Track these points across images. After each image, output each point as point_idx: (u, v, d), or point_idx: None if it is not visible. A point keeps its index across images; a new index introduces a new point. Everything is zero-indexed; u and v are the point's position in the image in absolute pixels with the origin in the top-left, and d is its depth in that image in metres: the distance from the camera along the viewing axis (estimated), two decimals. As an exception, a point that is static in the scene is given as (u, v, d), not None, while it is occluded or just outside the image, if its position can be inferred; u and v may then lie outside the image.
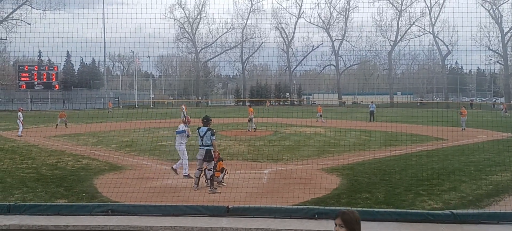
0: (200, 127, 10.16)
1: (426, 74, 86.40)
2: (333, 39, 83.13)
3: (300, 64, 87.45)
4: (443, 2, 69.32)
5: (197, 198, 8.89)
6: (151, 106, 71.41)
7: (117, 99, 74.29)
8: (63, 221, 5.78)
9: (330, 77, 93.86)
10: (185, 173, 11.38)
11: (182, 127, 11.55)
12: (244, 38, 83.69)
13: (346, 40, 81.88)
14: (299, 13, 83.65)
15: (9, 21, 63.71)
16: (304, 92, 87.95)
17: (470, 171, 12.11)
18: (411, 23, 77.13)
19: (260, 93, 79.67)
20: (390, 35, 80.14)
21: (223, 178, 10.60)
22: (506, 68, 72.61)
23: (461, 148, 17.45)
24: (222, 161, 10.88)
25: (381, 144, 18.31)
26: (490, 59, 74.78)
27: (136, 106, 69.27)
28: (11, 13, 63.95)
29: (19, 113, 24.37)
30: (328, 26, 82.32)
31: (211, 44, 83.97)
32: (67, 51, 62.26)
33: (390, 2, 77.12)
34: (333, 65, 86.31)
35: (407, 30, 78.56)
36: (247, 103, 58.97)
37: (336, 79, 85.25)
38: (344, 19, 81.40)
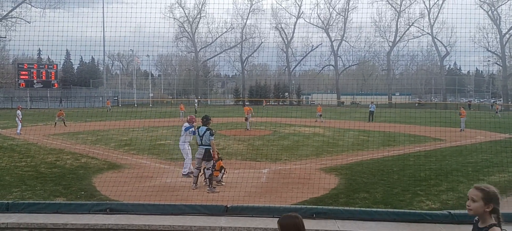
0: (200, 126, 10.22)
1: (424, 75, 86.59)
2: (332, 40, 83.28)
3: (299, 64, 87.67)
4: (442, 3, 69.44)
5: (195, 197, 8.90)
6: (150, 105, 71.39)
7: (116, 98, 74.26)
8: (61, 219, 5.79)
9: (329, 78, 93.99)
10: (184, 172, 11.39)
11: (187, 124, 11.55)
12: (244, 38, 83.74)
13: (345, 41, 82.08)
14: (298, 13, 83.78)
15: (8, 19, 63.68)
16: (303, 92, 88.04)
17: (468, 171, 12.15)
18: (410, 24, 77.38)
19: (260, 93, 79.70)
20: (389, 36, 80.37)
21: (222, 177, 10.62)
22: (504, 69, 72.78)
23: (459, 148, 17.50)
24: (222, 160, 10.91)
25: (380, 144, 18.35)
26: (489, 60, 74.98)
27: (136, 105, 69.24)
28: (11, 11, 63.92)
29: (18, 111, 24.36)
30: (327, 26, 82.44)
31: (210, 44, 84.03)
32: (67, 50, 62.10)
33: (389, 3, 77.29)
34: (332, 65, 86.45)
35: (406, 31, 78.82)
36: (246, 103, 59.07)
37: (335, 80, 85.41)
38: (343, 20, 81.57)
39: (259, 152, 15.76)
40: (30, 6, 62.64)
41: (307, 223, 5.89)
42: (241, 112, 32.63)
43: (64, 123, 28.89)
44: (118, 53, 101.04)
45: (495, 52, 72.98)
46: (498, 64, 75.61)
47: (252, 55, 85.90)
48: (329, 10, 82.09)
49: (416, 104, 71.65)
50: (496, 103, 60.96)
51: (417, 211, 6.67)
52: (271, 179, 11.09)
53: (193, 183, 10.06)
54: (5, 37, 62.46)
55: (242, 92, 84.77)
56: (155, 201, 7.26)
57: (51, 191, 9.49)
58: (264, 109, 44.87)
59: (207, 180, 9.89)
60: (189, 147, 11.63)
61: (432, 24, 75.01)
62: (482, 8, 67.71)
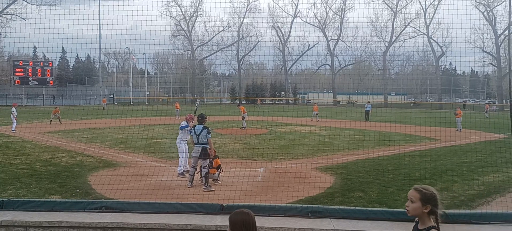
0: (196, 125, 10.22)
1: (420, 75, 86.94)
2: (329, 39, 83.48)
3: (295, 64, 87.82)
4: (438, 4, 69.82)
5: (191, 195, 8.90)
6: (146, 103, 71.22)
7: (112, 96, 74.01)
8: (57, 217, 5.78)
9: (325, 77, 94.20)
10: (179, 171, 11.38)
11: (184, 123, 11.53)
12: (240, 37, 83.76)
13: (342, 40, 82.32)
14: (295, 12, 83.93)
15: (3, 16, 63.34)
16: (299, 92, 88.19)
17: (462, 171, 12.21)
18: (406, 24, 77.63)
19: (256, 92, 79.71)
20: (385, 36, 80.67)
21: (218, 175, 10.63)
22: (499, 70, 73.19)
23: (454, 148, 17.59)
24: (219, 158, 10.92)
25: (375, 143, 18.41)
26: (484, 61, 75.44)
27: (131, 103, 69.04)
28: (6, 7, 63.56)
29: (13, 108, 24.25)
30: (324, 26, 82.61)
31: (207, 42, 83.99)
32: (62, 47, 62.02)
33: (385, 3, 77.56)
34: (328, 65, 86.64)
35: (402, 31, 79.12)
36: (242, 102, 59.08)
37: (331, 79, 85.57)
38: (339, 19, 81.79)
39: (255, 150, 15.77)
40: (25, 2, 62.43)
41: (303, 222, 5.91)
42: (237, 110, 32.63)
43: (59, 120, 28.77)
44: (114, 51, 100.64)
45: (490, 52, 73.44)
46: (493, 64, 76.07)
47: (249, 54, 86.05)
48: (325, 9, 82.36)
49: (412, 104, 71.96)
50: (485, 103, 61.45)
51: (411, 210, 6.69)
52: (267, 178, 11.10)
53: (189, 181, 10.05)
54: (0, 34, 62.11)
55: (239, 91, 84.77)
56: (151, 199, 7.25)
57: (46, 189, 9.46)
58: (259, 109, 44.88)
59: (203, 178, 9.89)
60: (186, 146, 11.62)
61: (428, 24, 75.42)
62: (478, 9, 68.08)
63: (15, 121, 23.39)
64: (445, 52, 74.43)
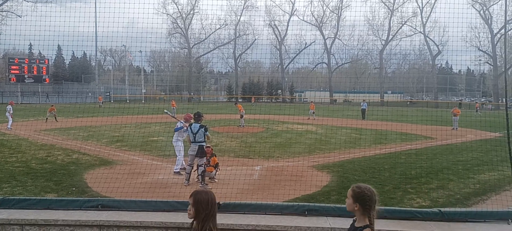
0: (192, 123, 10.21)
1: (416, 74, 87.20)
2: (326, 37, 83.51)
3: (292, 62, 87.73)
4: (435, 2, 69.86)
5: (188, 193, 8.82)
6: (143, 101, 71.06)
7: (108, 93, 73.80)
8: (53, 215, 5.76)
9: (322, 75, 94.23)
10: (175, 170, 11.37)
11: (180, 123, 11.52)
12: (237, 35, 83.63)
13: (338, 39, 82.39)
14: (292, 10, 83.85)
15: (-1, 13, 62.90)
16: (296, 90, 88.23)
17: (458, 169, 12.27)
18: (403, 22, 77.75)
19: (253, 90, 79.69)
20: (382, 34, 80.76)
21: (215, 174, 10.64)
22: (495, 69, 73.45)
23: (450, 146, 17.66)
24: (216, 157, 10.92)
25: (371, 142, 18.46)
26: (480, 60, 75.71)
27: (128, 101, 68.87)
28: (1, 4, 63.14)
29: (9, 106, 24.14)
30: (320, 24, 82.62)
31: (204, 40, 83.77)
32: (58, 45, 61.57)
33: (382, 1, 77.60)
34: (325, 63, 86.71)
35: (399, 30, 79.21)
36: (239, 100, 59.03)
37: (328, 77, 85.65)
38: (336, 18, 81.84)
39: (252, 149, 15.78)
40: (21, -1, 61.98)
41: (299, 220, 5.92)
42: (234, 109, 32.63)
43: (55, 118, 28.67)
44: (110, 48, 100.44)
45: (486, 51, 73.68)
46: (489, 63, 76.32)
47: (246, 52, 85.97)
48: (322, 7, 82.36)
49: (408, 103, 72.18)
50: (476, 102, 61.82)
51: (407, 208, 6.73)
52: (263, 176, 11.11)
53: (186, 179, 10.05)
54: (-4, 31, 61.70)
55: (235, 89, 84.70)
56: (147, 197, 7.24)
57: (42, 187, 9.43)
58: (256, 107, 44.89)
59: (200, 176, 9.89)
60: (183, 144, 11.61)
61: (424, 23, 75.50)
62: (474, 8, 68.23)
63: (11, 119, 23.28)
64: (441, 50, 74.67)
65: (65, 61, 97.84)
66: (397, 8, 77.62)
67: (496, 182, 10.56)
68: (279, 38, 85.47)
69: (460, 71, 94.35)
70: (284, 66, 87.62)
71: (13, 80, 61.14)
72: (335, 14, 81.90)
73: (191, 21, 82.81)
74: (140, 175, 10.93)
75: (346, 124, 23.71)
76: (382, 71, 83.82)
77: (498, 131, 22.17)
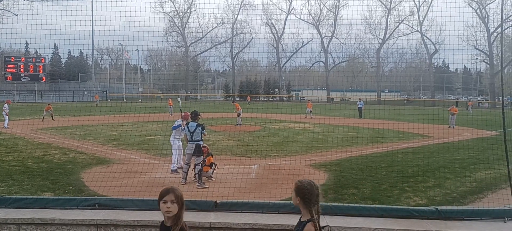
0: (189, 122, 10.20)
1: (413, 72, 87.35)
2: (323, 36, 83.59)
3: (289, 61, 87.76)
4: (431, 1, 69.98)
5: (185, 192, 8.79)
6: (140, 100, 70.90)
7: (105, 92, 73.60)
8: (49, 214, 5.75)
9: (319, 74, 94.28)
10: (172, 168, 11.36)
11: (178, 122, 11.50)
12: (234, 33, 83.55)
13: (335, 37, 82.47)
14: (289, 9, 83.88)
15: (-5, 11, 62.61)
16: (293, 89, 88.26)
17: (455, 168, 12.32)
18: (400, 21, 77.89)
19: (250, 88, 79.65)
20: (379, 33, 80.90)
21: (212, 173, 10.63)
22: (492, 67, 73.71)
23: (446, 145, 17.71)
24: (212, 156, 10.91)
25: (368, 140, 18.48)
26: (476, 58, 75.95)
27: (125, 99, 68.68)
28: (-3, 3, 62.84)
29: (5, 105, 24.05)
30: (317, 23, 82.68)
31: (201, 39, 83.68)
32: (55, 43, 61.35)
33: (379, 0, 77.70)
34: (322, 62, 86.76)
35: (396, 28, 79.35)
36: (236, 99, 59.02)
37: (325, 76, 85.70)
38: (333, 16, 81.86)
39: (249, 147, 15.79)
40: (17, -3, 61.69)
41: (296, 219, 5.93)
42: (231, 107, 32.62)
43: (52, 117, 28.58)
44: (107, 47, 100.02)
45: (483, 50, 73.93)
46: (485, 62, 76.62)
47: (243, 50, 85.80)
48: (319, 6, 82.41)
49: (405, 102, 72.31)
50: (469, 100, 62.05)
51: (404, 207, 6.75)
52: (260, 175, 11.12)
53: (183, 178, 10.05)
54: (-9, 30, 61.38)
55: (232, 88, 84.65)
56: (144, 196, 7.22)
57: (38, 186, 9.40)
58: (253, 106, 44.88)
59: (197, 175, 9.89)
60: (180, 143, 11.60)
61: (421, 21, 75.69)
62: (471, 7, 68.43)
63: (7, 117, 23.19)
64: (438, 49, 74.84)
65: (61, 59, 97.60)
66: (394, 6, 77.83)
67: (492, 180, 10.60)
68: (276, 36, 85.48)
69: (456, 70, 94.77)
70: (281, 65, 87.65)
71: (9, 79, 60.90)
72: (332, 13, 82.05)
73: (188, 19, 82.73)
74: (137, 173, 10.91)
75: (343, 122, 23.75)
76: (379, 70, 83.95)
77: (494, 129, 22.25)
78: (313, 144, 17.67)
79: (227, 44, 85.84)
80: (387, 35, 79.92)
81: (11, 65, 60.96)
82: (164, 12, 79.75)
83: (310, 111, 33.90)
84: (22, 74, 61.77)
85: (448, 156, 14.60)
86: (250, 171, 11.51)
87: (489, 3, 69.94)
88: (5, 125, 22.57)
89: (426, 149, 16.55)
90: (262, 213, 5.90)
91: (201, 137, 10.04)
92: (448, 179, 10.75)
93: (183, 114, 11.62)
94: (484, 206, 7.34)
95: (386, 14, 78.70)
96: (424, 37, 76.00)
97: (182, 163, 11.23)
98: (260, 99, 78.58)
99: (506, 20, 60.69)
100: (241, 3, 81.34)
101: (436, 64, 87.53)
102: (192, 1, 78.75)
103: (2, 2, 62.47)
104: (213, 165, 10.73)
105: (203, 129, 10.05)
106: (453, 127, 25.81)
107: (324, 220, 5.69)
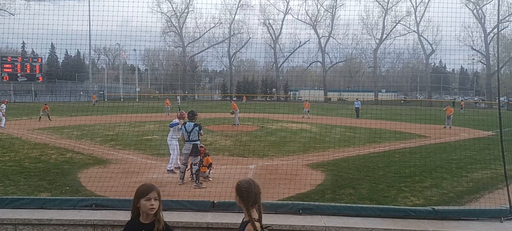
0: (186, 122, 10.20)
1: (410, 73, 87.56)
2: (320, 36, 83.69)
3: (287, 60, 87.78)
4: (428, 2, 70.10)
5: (182, 192, 8.87)
6: (137, 100, 70.76)
7: (102, 92, 73.43)
8: (46, 215, 5.73)
9: (317, 74, 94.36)
10: (169, 168, 11.34)
11: (176, 120, 11.49)
12: (232, 33, 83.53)
13: (333, 37, 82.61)
14: (286, 9, 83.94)
15: (-9, 10, 62.32)
16: (290, 88, 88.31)
17: (452, 168, 12.35)
18: (397, 21, 78.08)
19: (247, 88, 79.66)
20: (376, 33, 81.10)
21: (209, 173, 10.63)
22: (488, 68, 73.99)
23: (443, 145, 17.76)
24: (209, 156, 10.91)
25: (365, 140, 18.52)
26: (473, 59, 76.25)
27: (122, 99, 68.54)
28: (-7, 2, 62.58)
29: (2, 105, 23.97)
30: (315, 23, 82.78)
31: (198, 39, 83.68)
32: (52, 43, 61.14)
33: (376, 1, 77.86)
34: (319, 62, 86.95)
35: (393, 29, 79.52)
36: (233, 98, 58.99)
37: (322, 76, 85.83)
38: (331, 17, 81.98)
39: (246, 147, 15.78)
40: (14, -3, 61.42)
41: (294, 219, 5.93)
42: (228, 107, 32.61)
43: (48, 117, 28.49)
44: (104, 47, 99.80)
45: (480, 50, 74.21)
46: (482, 62, 76.88)
47: (240, 50, 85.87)
48: (317, 6, 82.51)
49: (402, 102, 72.46)
50: (462, 100, 62.31)
51: (401, 207, 6.77)
52: (258, 175, 11.11)
53: (180, 178, 10.04)
54: (-12, 29, 61.06)
55: (230, 88, 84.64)
56: (142, 196, 7.20)
57: (35, 186, 9.37)
58: (250, 105, 44.87)
59: (194, 175, 9.88)
60: (177, 143, 11.59)
61: (418, 22, 75.87)
62: (467, 7, 68.69)
63: (4, 118, 23.11)
64: (435, 49, 75.11)
65: (58, 59, 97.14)
66: (391, 7, 78.02)
67: (489, 180, 10.65)
68: (273, 36, 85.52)
69: (453, 70, 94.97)
70: (279, 65, 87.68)
71: (6, 78, 60.69)
72: (329, 13, 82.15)
73: (185, 19, 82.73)
74: (134, 173, 10.89)
75: (340, 122, 23.78)
76: (376, 70, 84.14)
77: (491, 129, 22.34)
78: (310, 144, 17.69)
79: (224, 44, 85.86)
80: (384, 36, 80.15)
81: (8, 65, 60.76)
82: (162, 12, 79.82)
83: (308, 111, 33.94)
84: (19, 74, 61.58)
85: (445, 156, 14.64)
86: (248, 171, 11.51)
87: (486, 4, 70.28)
88: (2, 125, 22.48)
89: (423, 149, 16.59)
90: (260, 213, 5.89)
91: (198, 137, 10.04)
92: (445, 179, 10.77)
93: (179, 113, 11.62)
94: (481, 206, 7.37)
95: (383, 14, 78.92)
96: (421, 37, 76.26)
97: (179, 163, 11.22)
98: (257, 99, 78.58)
99: (502, 21, 60.98)
100: (239, 3, 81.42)
101: (433, 64, 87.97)
102: (189, 1, 78.85)
103: (-2, 2, 62.22)
104: (210, 166, 10.74)
105: (200, 128, 10.06)
106: (450, 127, 25.89)
107: (322, 220, 5.70)
